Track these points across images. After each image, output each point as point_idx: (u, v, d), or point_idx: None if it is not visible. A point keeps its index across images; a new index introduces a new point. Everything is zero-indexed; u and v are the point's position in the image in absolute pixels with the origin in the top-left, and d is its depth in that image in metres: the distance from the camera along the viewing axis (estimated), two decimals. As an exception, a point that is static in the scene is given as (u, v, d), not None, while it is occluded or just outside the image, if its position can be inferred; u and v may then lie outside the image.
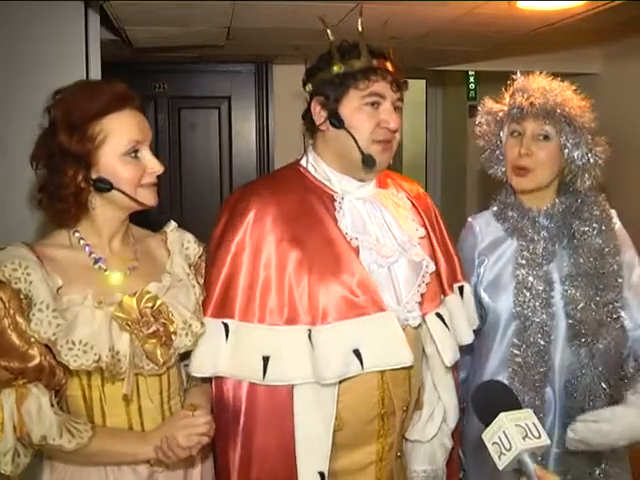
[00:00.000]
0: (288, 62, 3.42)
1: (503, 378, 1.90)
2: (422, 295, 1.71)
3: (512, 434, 1.20)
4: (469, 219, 2.11)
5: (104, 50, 2.52)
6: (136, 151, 1.51)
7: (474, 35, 2.65)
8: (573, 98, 1.93)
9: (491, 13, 2.27)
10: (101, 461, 1.50)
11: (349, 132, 1.66)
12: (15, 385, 1.42)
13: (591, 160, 1.91)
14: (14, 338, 1.41)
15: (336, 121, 1.67)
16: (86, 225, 1.55)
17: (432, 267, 1.73)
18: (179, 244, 1.69)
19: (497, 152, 2.02)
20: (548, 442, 1.22)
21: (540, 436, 1.21)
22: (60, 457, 1.50)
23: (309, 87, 1.74)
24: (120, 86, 1.52)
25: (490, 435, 1.23)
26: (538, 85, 1.94)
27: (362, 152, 1.66)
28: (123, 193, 1.50)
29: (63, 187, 1.47)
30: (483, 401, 1.32)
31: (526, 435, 1.20)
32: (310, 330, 1.60)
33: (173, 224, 1.74)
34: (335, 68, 1.68)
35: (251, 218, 1.67)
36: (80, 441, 1.43)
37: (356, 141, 1.66)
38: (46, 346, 1.42)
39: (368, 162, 1.67)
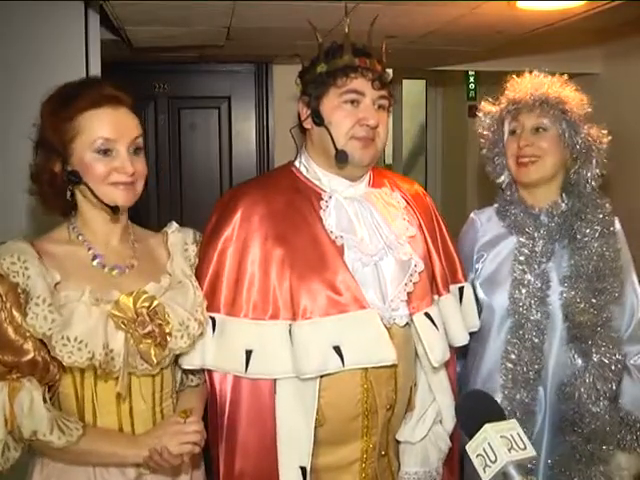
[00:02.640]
0: (288, 62, 3.41)
1: (497, 376, 1.92)
2: (410, 294, 1.71)
3: (497, 446, 1.18)
4: (471, 214, 2.13)
5: (104, 50, 2.52)
6: (109, 149, 1.51)
7: (474, 35, 2.64)
8: (564, 89, 1.97)
9: (491, 13, 2.27)
10: (89, 461, 1.50)
11: (327, 129, 1.68)
12: (9, 379, 1.43)
13: (592, 148, 1.93)
14: (10, 332, 1.43)
15: (316, 118, 1.70)
16: (80, 221, 1.58)
17: (421, 266, 1.73)
18: (181, 245, 1.70)
19: (499, 155, 2.05)
20: (534, 453, 1.21)
21: (526, 447, 1.20)
22: (50, 454, 1.51)
23: (299, 88, 1.78)
24: (106, 87, 1.54)
25: (474, 447, 1.21)
26: (529, 81, 1.99)
27: (336, 147, 1.68)
28: (88, 188, 1.51)
29: (41, 175, 1.53)
30: (467, 412, 1.31)
31: (511, 447, 1.19)
32: (291, 325, 1.62)
33: (174, 225, 1.75)
34: (318, 68, 1.72)
35: (239, 216, 1.70)
36: (70, 439, 1.44)
37: (332, 137, 1.67)
38: (41, 341, 1.43)
39: (340, 157, 1.69)
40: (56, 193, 1.54)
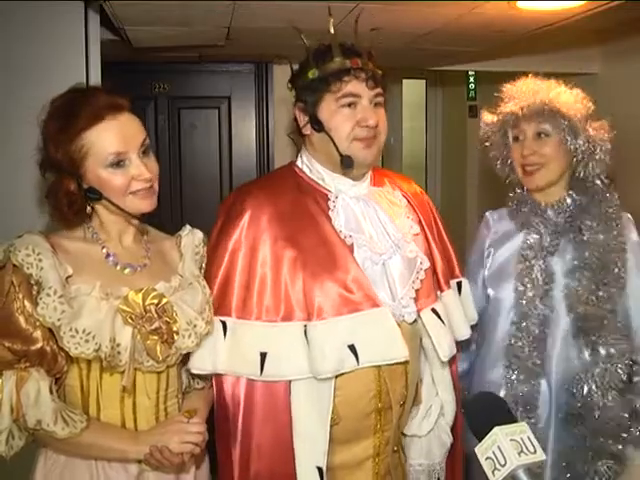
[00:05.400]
0: (288, 62, 3.41)
1: (502, 369, 1.94)
2: (417, 291, 1.73)
3: (507, 449, 1.18)
4: (486, 213, 2.17)
5: (104, 50, 2.52)
6: (122, 160, 1.52)
7: (474, 35, 2.64)
8: (561, 92, 1.97)
9: (491, 13, 2.27)
10: (91, 454, 1.52)
11: (329, 135, 1.68)
12: (17, 368, 1.45)
13: (596, 147, 1.94)
14: (21, 321, 1.45)
15: (316, 125, 1.70)
16: (96, 223, 1.60)
17: (426, 263, 1.76)
18: (191, 247, 1.72)
19: (508, 159, 2.07)
20: (544, 457, 1.21)
21: (535, 451, 1.20)
22: (52, 445, 1.52)
23: (292, 94, 1.78)
24: (101, 98, 1.52)
25: (484, 449, 1.20)
26: (526, 88, 1.99)
27: (340, 154, 1.68)
28: (111, 203, 1.52)
29: (59, 197, 1.52)
30: (476, 414, 1.30)
31: (521, 450, 1.18)
32: (306, 326, 1.62)
33: (188, 228, 1.77)
34: (310, 74, 1.72)
35: (247, 218, 1.69)
36: (73, 430, 1.45)
37: (334, 143, 1.68)
38: (51, 332, 1.45)
39: (346, 163, 1.69)
40: (76, 211, 1.54)
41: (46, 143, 1.52)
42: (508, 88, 2.04)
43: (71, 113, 1.51)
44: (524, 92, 1.98)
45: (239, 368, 1.65)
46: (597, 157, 1.96)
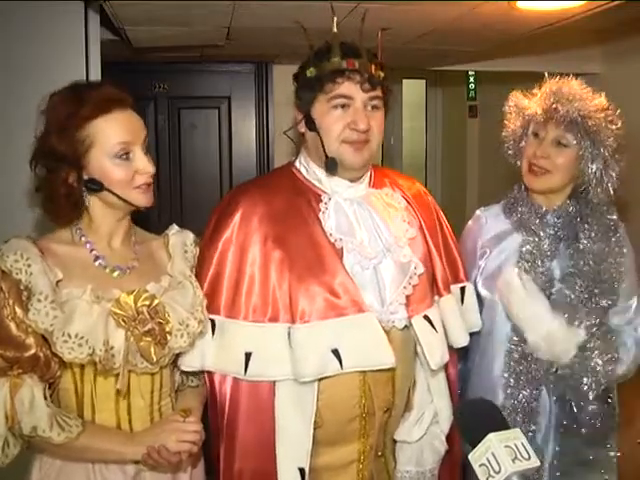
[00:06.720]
0: (288, 62, 3.41)
1: (499, 373, 1.92)
2: (409, 297, 1.70)
3: (501, 456, 1.17)
4: (477, 211, 2.12)
5: (104, 50, 2.52)
6: (127, 153, 1.52)
7: (474, 35, 2.64)
8: (600, 111, 1.90)
9: (491, 13, 2.27)
10: (87, 457, 1.51)
11: (319, 134, 1.68)
12: (10, 375, 1.45)
13: (604, 177, 1.90)
14: (12, 328, 1.44)
15: (309, 123, 1.70)
16: (86, 223, 1.58)
17: (420, 269, 1.72)
18: (180, 246, 1.71)
19: (519, 145, 2.01)
20: (538, 463, 1.19)
21: (530, 457, 1.18)
22: (48, 450, 1.51)
23: (295, 89, 1.77)
24: (108, 90, 1.53)
25: (477, 456, 1.19)
26: (568, 91, 1.91)
27: (326, 155, 1.67)
28: (114, 194, 1.52)
29: (56, 188, 1.51)
30: (469, 420, 1.29)
31: (515, 457, 1.17)
32: (289, 328, 1.62)
33: (175, 228, 1.76)
34: (308, 72, 1.71)
35: (238, 217, 1.69)
36: (69, 435, 1.45)
37: (322, 144, 1.67)
38: (43, 337, 1.44)
39: (330, 166, 1.68)
40: (73, 204, 1.54)
41: (49, 133, 1.51)
42: (552, 82, 1.96)
43: (79, 101, 1.50)
44: (564, 94, 1.90)
45: (225, 366, 1.65)
46: (602, 187, 1.91)
